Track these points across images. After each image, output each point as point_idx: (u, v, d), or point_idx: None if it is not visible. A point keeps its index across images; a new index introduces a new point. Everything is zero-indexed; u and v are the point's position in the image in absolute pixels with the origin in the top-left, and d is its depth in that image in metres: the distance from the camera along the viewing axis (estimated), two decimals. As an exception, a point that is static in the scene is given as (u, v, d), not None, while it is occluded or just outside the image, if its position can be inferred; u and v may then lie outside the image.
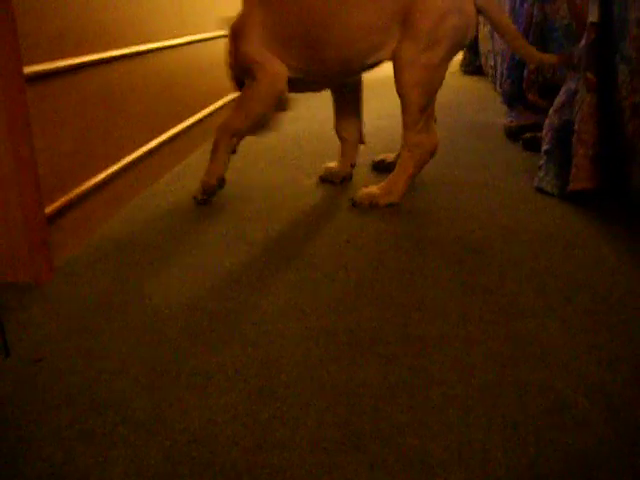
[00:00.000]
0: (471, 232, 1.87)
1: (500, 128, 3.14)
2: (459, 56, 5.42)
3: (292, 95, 2.34)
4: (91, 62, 1.95)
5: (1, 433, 1.08)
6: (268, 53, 2.12)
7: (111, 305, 1.51)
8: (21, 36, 1.60)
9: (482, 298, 1.48)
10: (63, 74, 1.80)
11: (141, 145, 2.34)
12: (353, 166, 2.43)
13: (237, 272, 1.67)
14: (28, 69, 1.61)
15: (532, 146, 2.70)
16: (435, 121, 2.23)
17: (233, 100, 3.55)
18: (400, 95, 2.05)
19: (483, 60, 4.67)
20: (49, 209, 1.71)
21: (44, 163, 1.70)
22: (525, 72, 2.97)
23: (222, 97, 3.39)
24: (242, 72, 2.20)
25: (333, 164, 2.44)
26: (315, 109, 3.86)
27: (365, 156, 2.65)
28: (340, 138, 2.41)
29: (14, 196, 1.58)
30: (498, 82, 3.94)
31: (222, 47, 3.31)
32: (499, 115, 3.46)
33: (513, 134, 2.93)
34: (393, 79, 2.04)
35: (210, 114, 3.12)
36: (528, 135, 2.76)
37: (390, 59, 2.06)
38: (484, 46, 4.56)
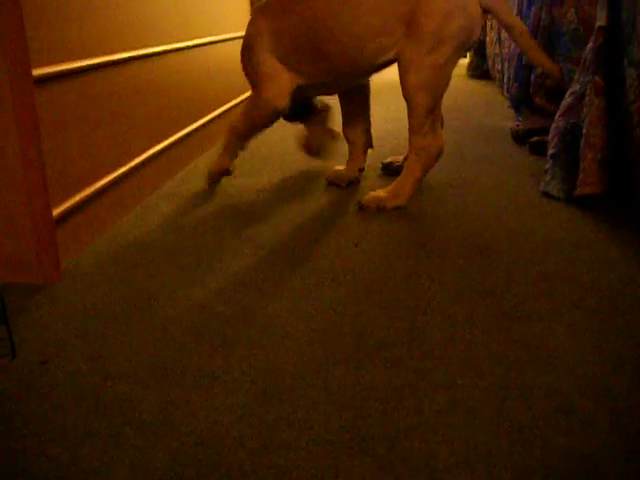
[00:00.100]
0: (478, 235, 1.87)
1: (507, 132, 3.13)
2: (466, 60, 5.42)
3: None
4: (98, 64, 1.95)
5: (7, 433, 1.08)
6: (277, 64, 2.15)
7: (118, 307, 1.52)
8: (30, 38, 1.61)
9: (488, 301, 1.48)
10: (70, 76, 1.81)
11: (148, 148, 2.35)
12: (362, 171, 2.43)
13: (243, 274, 1.67)
14: (37, 71, 1.62)
15: (539, 150, 2.69)
16: (442, 125, 2.23)
17: (242, 102, 3.56)
18: (406, 98, 2.05)
19: (490, 64, 4.67)
20: (57, 211, 1.71)
21: (51, 165, 1.71)
22: (532, 76, 2.96)
23: (229, 100, 3.40)
24: (250, 81, 2.25)
25: (341, 167, 2.44)
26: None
27: (372, 160, 2.65)
28: (348, 142, 2.41)
29: (22, 198, 1.59)
30: (505, 86, 3.93)
31: (229, 50, 3.32)
32: (506, 119, 3.46)
33: (520, 138, 2.93)
34: (399, 83, 2.05)
35: (217, 117, 3.13)
36: (535, 139, 2.76)
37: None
38: (491, 50, 4.55)
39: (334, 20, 2.03)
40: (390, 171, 2.52)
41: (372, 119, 2.46)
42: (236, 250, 1.83)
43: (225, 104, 3.31)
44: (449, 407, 1.11)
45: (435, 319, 1.40)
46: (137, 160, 2.23)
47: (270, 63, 2.16)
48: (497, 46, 4.23)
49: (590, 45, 2.06)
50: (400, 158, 2.52)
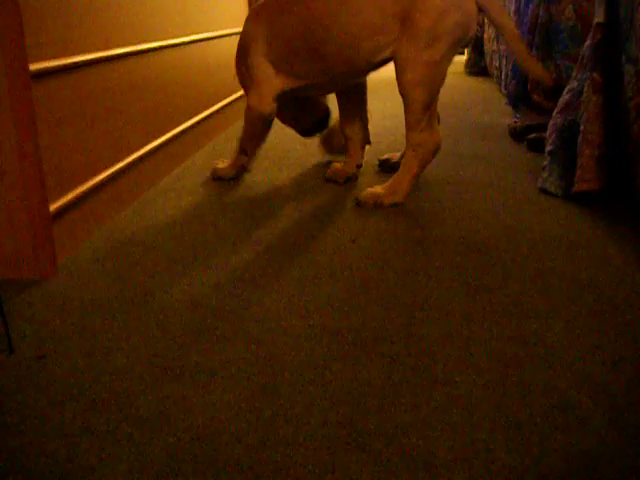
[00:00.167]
0: (475, 232, 1.87)
1: (505, 129, 3.14)
2: (464, 57, 5.41)
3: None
4: (96, 60, 1.95)
5: (4, 429, 1.08)
6: (269, 69, 2.19)
7: (114, 302, 1.51)
8: (27, 33, 1.60)
9: (486, 298, 1.48)
10: (68, 72, 1.80)
11: (146, 144, 2.34)
12: (359, 167, 2.43)
13: (241, 270, 1.67)
14: (34, 66, 1.62)
15: (536, 147, 2.69)
16: (439, 121, 2.22)
17: (236, 100, 3.56)
18: (402, 95, 2.05)
19: (488, 61, 4.67)
20: (53, 206, 1.71)
21: (48, 160, 1.70)
22: (530, 73, 2.96)
23: (226, 97, 3.40)
24: (242, 86, 2.33)
25: (338, 164, 2.44)
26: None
27: (369, 156, 2.65)
28: (346, 138, 2.41)
29: (19, 193, 1.58)
30: (503, 83, 3.93)
31: (226, 46, 3.31)
32: (504, 116, 3.46)
33: (518, 134, 2.93)
34: (395, 80, 2.05)
35: (214, 113, 3.13)
36: (532, 135, 2.76)
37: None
38: (489, 47, 4.55)
39: (332, 19, 2.04)
40: (387, 168, 2.51)
41: (369, 115, 2.46)
42: (233, 245, 1.83)
43: (222, 100, 3.30)
44: (447, 403, 1.11)
45: (432, 315, 1.40)
46: (134, 156, 2.23)
47: (263, 68, 2.19)
48: (495, 43, 4.23)
49: (588, 42, 2.06)
50: (397, 155, 2.52)
